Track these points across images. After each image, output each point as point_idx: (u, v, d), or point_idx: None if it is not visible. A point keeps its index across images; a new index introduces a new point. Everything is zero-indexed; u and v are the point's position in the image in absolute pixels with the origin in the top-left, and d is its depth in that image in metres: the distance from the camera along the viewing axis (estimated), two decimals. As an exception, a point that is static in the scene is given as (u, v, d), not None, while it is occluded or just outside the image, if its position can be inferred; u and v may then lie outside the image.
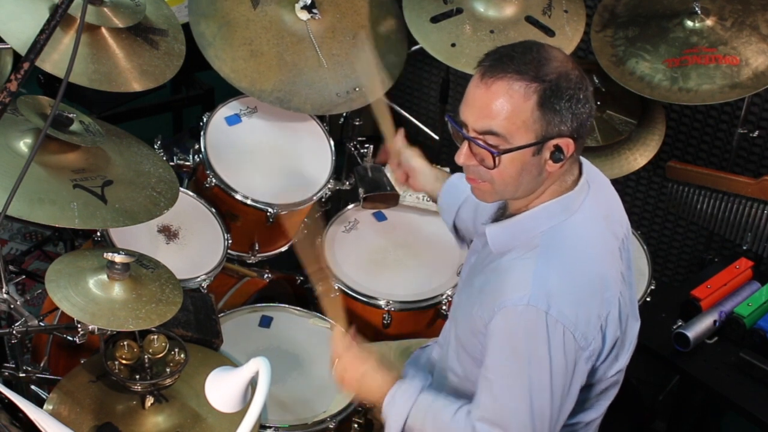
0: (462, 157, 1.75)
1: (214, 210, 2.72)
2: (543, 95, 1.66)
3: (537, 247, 1.76)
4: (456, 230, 2.27)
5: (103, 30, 2.36)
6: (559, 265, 1.74)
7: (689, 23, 2.76)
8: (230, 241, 2.67)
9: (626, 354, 1.91)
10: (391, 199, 2.75)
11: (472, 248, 2.03)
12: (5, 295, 2.14)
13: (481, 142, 1.70)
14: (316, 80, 2.78)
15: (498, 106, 1.67)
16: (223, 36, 2.74)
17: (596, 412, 1.97)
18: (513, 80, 1.67)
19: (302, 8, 2.81)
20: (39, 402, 2.18)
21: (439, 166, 2.85)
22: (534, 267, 1.74)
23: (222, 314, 2.47)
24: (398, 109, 3.47)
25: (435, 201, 2.30)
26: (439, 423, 1.85)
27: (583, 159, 1.87)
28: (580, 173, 1.83)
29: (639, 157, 2.96)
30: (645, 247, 2.82)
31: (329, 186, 2.78)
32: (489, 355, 1.77)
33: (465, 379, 1.95)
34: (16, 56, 2.43)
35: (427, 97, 3.94)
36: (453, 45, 2.79)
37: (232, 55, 2.73)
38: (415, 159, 2.30)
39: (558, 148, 1.70)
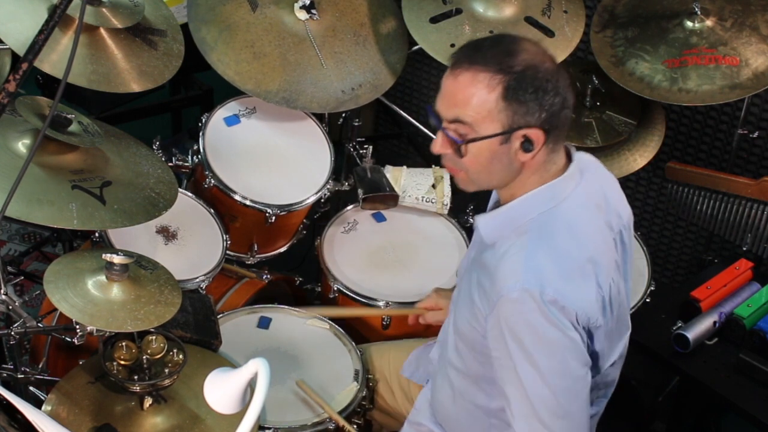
0: (437, 146, 1.81)
1: (212, 211, 2.72)
2: (507, 86, 1.70)
3: (526, 233, 1.78)
4: None
5: (102, 30, 2.36)
6: (549, 249, 1.76)
7: (689, 24, 2.75)
8: (229, 242, 2.67)
9: (621, 344, 1.91)
10: (390, 199, 2.75)
11: (471, 242, 2.05)
12: (4, 296, 2.13)
13: (450, 132, 1.75)
14: (320, 78, 2.78)
15: (464, 96, 1.72)
16: (224, 40, 2.74)
17: (595, 408, 1.97)
18: (478, 71, 1.71)
19: (301, 8, 2.80)
20: (37, 403, 2.17)
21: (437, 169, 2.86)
22: (525, 252, 1.76)
23: (221, 315, 2.47)
24: (397, 109, 3.47)
25: None
26: None
27: (581, 153, 1.89)
28: (571, 161, 1.84)
29: (639, 158, 2.96)
30: (644, 248, 2.82)
31: (328, 187, 2.78)
32: (500, 348, 1.78)
33: (465, 374, 1.95)
34: (15, 57, 2.43)
35: (427, 98, 3.94)
36: (452, 45, 2.78)
37: (236, 58, 2.72)
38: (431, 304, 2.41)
39: (527, 139, 1.73)
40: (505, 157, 1.75)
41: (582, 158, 1.89)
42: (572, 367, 1.75)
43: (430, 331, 2.53)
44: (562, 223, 1.79)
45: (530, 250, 1.75)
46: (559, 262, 1.74)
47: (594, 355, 1.83)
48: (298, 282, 2.91)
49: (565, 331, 1.72)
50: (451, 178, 2.81)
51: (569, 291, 1.72)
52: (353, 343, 2.46)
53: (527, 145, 1.74)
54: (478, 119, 1.72)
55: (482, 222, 1.87)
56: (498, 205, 1.90)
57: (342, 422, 2.22)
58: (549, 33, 2.82)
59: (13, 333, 2.12)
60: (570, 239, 1.78)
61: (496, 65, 1.70)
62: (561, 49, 2.79)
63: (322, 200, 2.83)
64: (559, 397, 1.76)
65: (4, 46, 2.28)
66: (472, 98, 1.71)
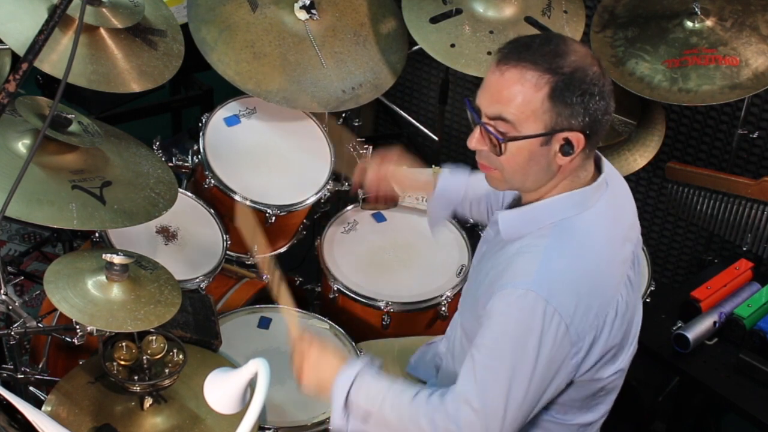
0: (473, 141, 1.77)
1: (212, 211, 2.72)
2: (555, 87, 1.67)
3: (547, 237, 1.77)
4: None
5: (102, 30, 2.36)
6: (566, 257, 1.74)
7: (689, 24, 2.75)
8: (229, 242, 2.67)
9: (625, 355, 1.90)
10: (390, 200, 2.75)
11: (483, 237, 2.03)
12: (4, 296, 2.13)
13: (490, 128, 1.72)
14: (321, 78, 2.78)
15: (509, 93, 1.69)
16: (224, 40, 2.74)
17: (595, 415, 1.96)
18: (527, 69, 1.68)
19: (301, 8, 2.81)
20: (37, 403, 2.17)
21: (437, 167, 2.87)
22: (541, 255, 1.74)
23: (221, 315, 2.47)
24: (397, 109, 3.47)
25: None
26: (398, 406, 1.80)
27: (605, 160, 1.88)
28: (599, 171, 1.83)
29: (639, 158, 2.96)
30: (645, 248, 2.81)
31: (328, 187, 2.78)
32: (480, 333, 1.76)
33: None
34: (15, 57, 2.43)
35: (427, 98, 3.94)
36: (452, 45, 2.78)
37: (236, 58, 2.73)
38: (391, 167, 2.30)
39: (567, 142, 1.71)
40: (543, 158, 1.73)
41: (608, 168, 1.88)
42: (533, 380, 1.73)
43: (431, 333, 2.54)
44: (583, 233, 1.77)
45: (547, 255, 1.74)
46: (572, 274, 1.73)
47: (578, 371, 1.82)
48: (298, 282, 2.91)
49: (546, 343, 1.70)
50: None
51: (572, 306, 1.71)
52: (353, 343, 2.46)
53: (567, 148, 1.71)
54: (521, 118, 1.69)
55: (504, 218, 1.85)
56: (519, 202, 1.89)
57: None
58: (549, 33, 2.82)
59: (13, 333, 2.12)
60: (587, 251, 1.77)
61: (546, 64, 1.67)
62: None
63: (322, 200, 2.83)
64: (506, 399, 1.73)
65: (4, 46, 2.27)
66: (517, 96, 1.68)
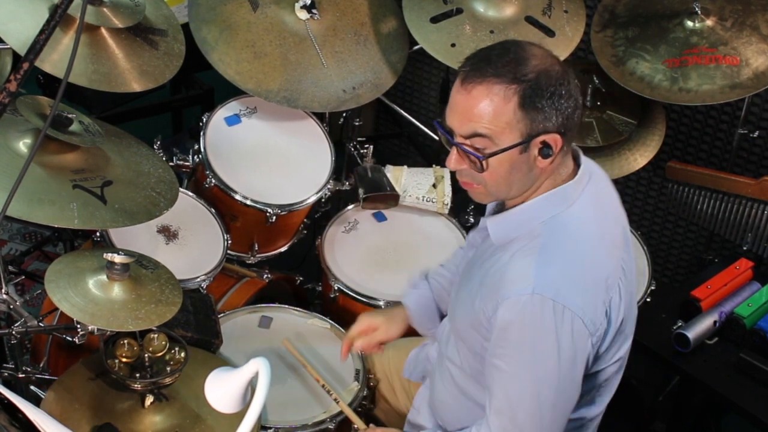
0: (452, 162, 1.78)
1: (213, 210, 2.72)
2: (523, 95, 1.68)
3: (538, 237, 1.78)
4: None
5: (103, 30, 2.36)
6: (561, 254, 1.76)
7: (689, 23, 2.76)
8: (230, 242, 2.67)
9: (627, 341, 1.92)
10: (391, 199, 2.76)
11: (469, 243, 2.05)
12: (5, 296, 2.14)
13: (467, 148, 1.73)
14: (321, 78, 2.78)
15: (480, 110, 1.69)
16: (225, 40, 2.74)
17: (598, 408, 1.97)
18: (492, 84, 1.68)
19: (302, 8, 2.81)
20: (38, 402, 2.17)
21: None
22: (537, 257, 1.75)
23: (221, 315, 2.47)
24: (398, 109, 3.48)
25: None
26: None
27: (582, 154, 1.89)
28: (578, 165, 1.84)
29: (639, 158, 2.96)
30: (645, 248, 2.82)
31: (329, 186, 2.78)
32: (497, 345, 1.78)
33: (464, 372, 1.96)
34: (16, 56, 2.43)
35: (427, 98, 3.94)
36: (453, 45, 2.79)
37: (236, 57, 2.73)
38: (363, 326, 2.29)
39: (546, 144, 1.72)
40: (524, 165, 1.74)
41: (587, 160, 1.88)
42: (560, 379, 1.75)
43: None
44: (574, 227, 1.78)
45: (543, 254, 1.75)
46: (571, 268, 1.74)
47: (594, 360, 1.83)
48: (298, 281, 2.91)
49: (564, 340, 1.72)
50: (452, 178, 2.82)
51: (579, 299, 1.72)
52: (354, 342, 2.46)
53: (546, 150, 1.72)
54: (496, 132, 1.69)
55: (493, 224, 1.86)
56: (503, 206, 1.90)
57: (321, 381, 2.26)
58: (549, 33, 2.83)
59: (14, 332, 2.12)
60: (582, 243, 1.78)
61: (510, 75, 1.68)
62: (562, 48, 2.80)
63: (323, 200, 2.83)
64: (539, 403, 1.77)
65: (6, 46, 2.27)
66: (488, 111, 1.68)
